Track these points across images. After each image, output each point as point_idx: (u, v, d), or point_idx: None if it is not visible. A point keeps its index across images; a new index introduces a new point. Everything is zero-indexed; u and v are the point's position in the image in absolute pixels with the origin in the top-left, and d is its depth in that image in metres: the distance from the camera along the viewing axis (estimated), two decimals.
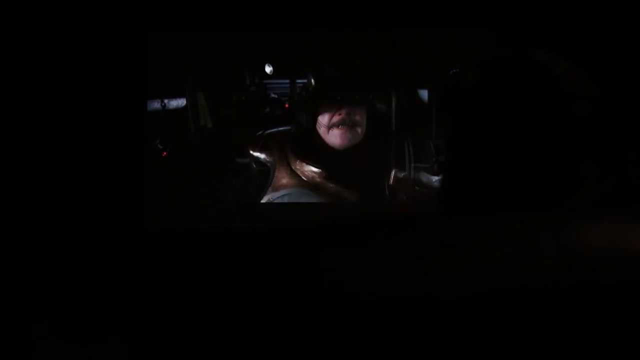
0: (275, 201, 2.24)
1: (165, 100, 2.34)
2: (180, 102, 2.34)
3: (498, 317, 0.34)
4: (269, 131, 2.26)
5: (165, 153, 2.32)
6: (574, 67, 0.53)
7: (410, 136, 2.26)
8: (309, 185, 2.22)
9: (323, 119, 2.22)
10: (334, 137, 2.22)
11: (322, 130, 2.22)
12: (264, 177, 2.28)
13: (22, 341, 1.58)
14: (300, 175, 2.22)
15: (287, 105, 2.29)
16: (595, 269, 0.36)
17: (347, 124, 2.21)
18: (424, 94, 2.33)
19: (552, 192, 0.50)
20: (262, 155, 2.24)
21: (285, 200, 2.21)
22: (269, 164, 2.25)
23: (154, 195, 2.25)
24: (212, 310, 0.36)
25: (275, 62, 2.31)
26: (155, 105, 2.34)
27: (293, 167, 2.22)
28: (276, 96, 2.32)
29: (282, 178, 2.22)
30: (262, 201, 2.25)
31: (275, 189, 2.23)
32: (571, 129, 0.50)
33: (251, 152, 2.24)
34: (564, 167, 0.50)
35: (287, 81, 2.32)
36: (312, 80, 2.25)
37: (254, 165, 2.27)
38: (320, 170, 2.21)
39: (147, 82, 2.25)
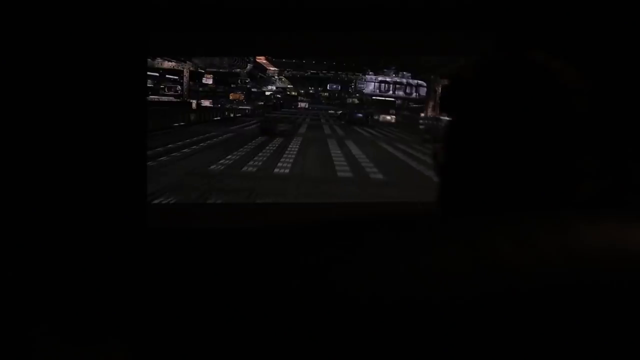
0: None
1: None
2: None
3: (498, 317, 0.34)
4: None
5: None
6: (569, 64, 0.53)
7: None
8: None
9: None
10: None
11: None
12: None
13: (22, 341, 1.58)
14: None
15: None
16: (595, 268, 0.36)
17: None
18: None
19: (552, 190, 0.50)
20: None
21: None
22: None
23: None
24: (212, 309, 0.36)
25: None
26: None
27: None
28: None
29: None
30: None
31: None
32: (570, 126, 0.51)
33: None
34: (564, 164, 0.50)
35: None
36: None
37: None
38: None
39: (146, 82, 2.25)
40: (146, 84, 2.25)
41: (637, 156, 0.57)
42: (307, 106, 3.55)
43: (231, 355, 0.35)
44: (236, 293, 0.36)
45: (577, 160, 0.51)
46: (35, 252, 1.87)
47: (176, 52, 2.34)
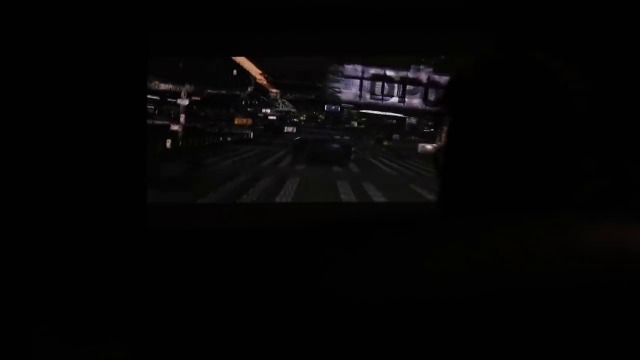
0: None
1: None
2: None
3: (498, 317, 0.34)
4: None
5: None
6: (570, 64, 0.53)
7: None
8: None
9: None
10: None
11: None
12: None
13: (22, 341, 1.57)
14: None
15: None
16: (595, 268, 0.36)
17: None
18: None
19: (551, 190, 0.50)
20: None
21: None
22: None
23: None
24: (212, 309, 0.36)
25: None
26: None
27: None
28: None
29: None
30: None
31: None
32: (569, 125, 0.51)
33: None
34: (564, 164, 0.50)
35: None
36: None
37: None
38: None
39: (146, 81, 2.25)
40: (146, 84, 2.25)
41: (637, 156, 0.57)
42: (293, 130, 2.96)
43: (231, 355, 0.35)
44: (236, 293, 0.36)
45: (577, 160, 0.51)
46: (35, 252, 1.87)
47: (176, 52, 2.34)
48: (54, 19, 1.97)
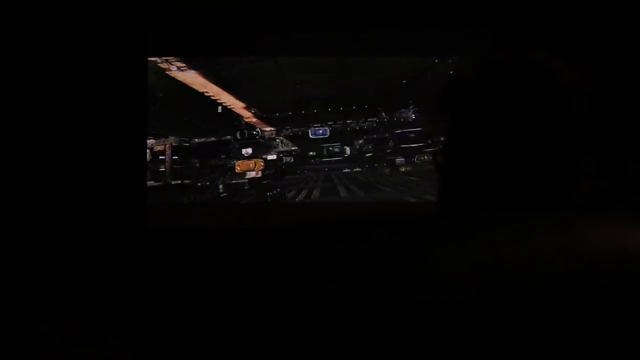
0: None
1: None
2: None
3: (498, 317, 0.34)
4: None
5: None
6: (569, 64, 0.53)
7: None
8: None
9: None
10: None
11: None
12: None
13: (22, 341, 1.58)
14: None
15: None
16: (595, 268, 0.36)
17: None
18: None
19: (551, 190, 0.50)
20: None
21: None
22: None
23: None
24: (212, 309, 0.36)
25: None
26: None
27: None
28: None
29: None
30: None
31: None
32: (569, 125, 0.51)
33: None
34: (564, 164, 0.50)
35: None
36: None
37: None
38: None
39: (146, 82, 2.25)
40: (146, 84, 2.25)
41: (638, 156, 0.57)
42: (258, 174, 2.38)
43: (231, 355, 0.35)
44: (236, 293, 0.36)
45: (577, 160, 0.51)
46: (36, 252, 1.87)
47: (176, 52, 2.34)
48: (54, 19, 1.97)
